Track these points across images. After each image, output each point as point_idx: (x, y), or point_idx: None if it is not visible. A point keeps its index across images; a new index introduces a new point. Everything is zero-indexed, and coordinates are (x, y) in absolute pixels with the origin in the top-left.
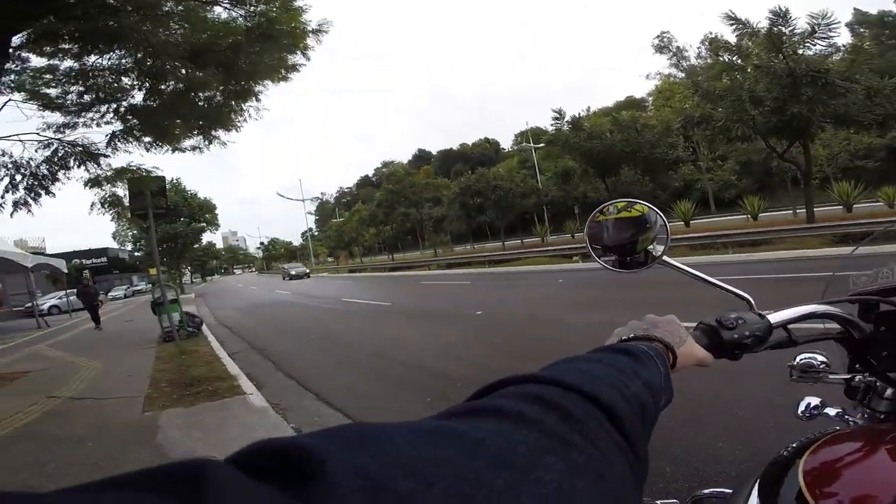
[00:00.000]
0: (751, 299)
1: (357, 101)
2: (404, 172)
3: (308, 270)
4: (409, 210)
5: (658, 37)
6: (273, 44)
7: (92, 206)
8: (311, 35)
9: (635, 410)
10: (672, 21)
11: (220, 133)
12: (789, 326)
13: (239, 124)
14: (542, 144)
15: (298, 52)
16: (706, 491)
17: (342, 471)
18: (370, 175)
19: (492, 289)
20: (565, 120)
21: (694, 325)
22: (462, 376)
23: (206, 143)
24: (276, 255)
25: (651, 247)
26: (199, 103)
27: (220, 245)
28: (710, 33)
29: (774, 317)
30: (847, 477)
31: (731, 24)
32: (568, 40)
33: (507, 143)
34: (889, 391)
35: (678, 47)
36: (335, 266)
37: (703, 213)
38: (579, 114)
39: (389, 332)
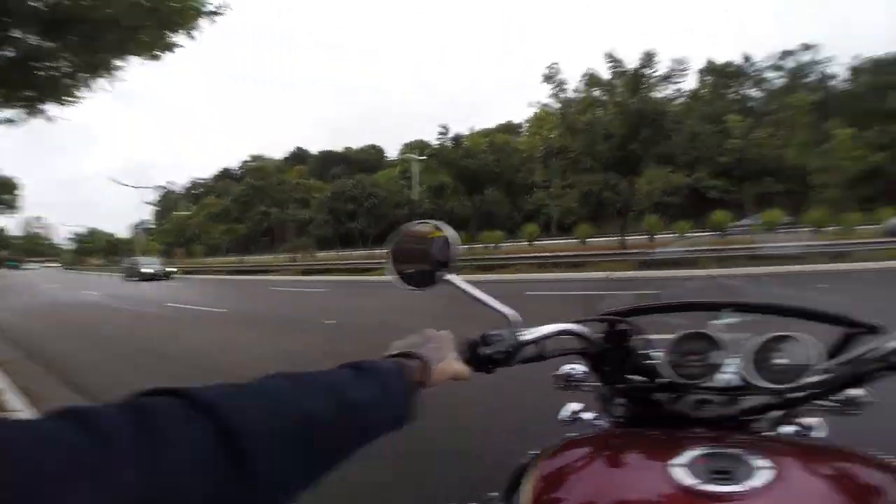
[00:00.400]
0: (510, 316)
1: (239, 89)
2: (274, 169)
3: (171, 270)
4: (271, 209)
5: (549, 67)
6: (158, 19)
7: None
8: (204, 17)
9: (288, 428)
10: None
11: (51, 106)
12: (548, 340)
13: (79, 98)
14: (423, 157)
15: (183, 32)
16: (491, 494)
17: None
18: (233, 168)
19: (350, 297)
20: (449, 136)
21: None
22: None
23: (28, 116)
24: (91, 248)
25: (450, 266)
26: (38, 73)
27: (17, 232)
28: (590, 69)
29: (528, 333)
30: (571, 482)
31: (609, 62)
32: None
33: (395, 152)
34: (620, 398)
35: (561, 80)
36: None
37: (547, 236)
38: (460, 133)
39: (218, 341)
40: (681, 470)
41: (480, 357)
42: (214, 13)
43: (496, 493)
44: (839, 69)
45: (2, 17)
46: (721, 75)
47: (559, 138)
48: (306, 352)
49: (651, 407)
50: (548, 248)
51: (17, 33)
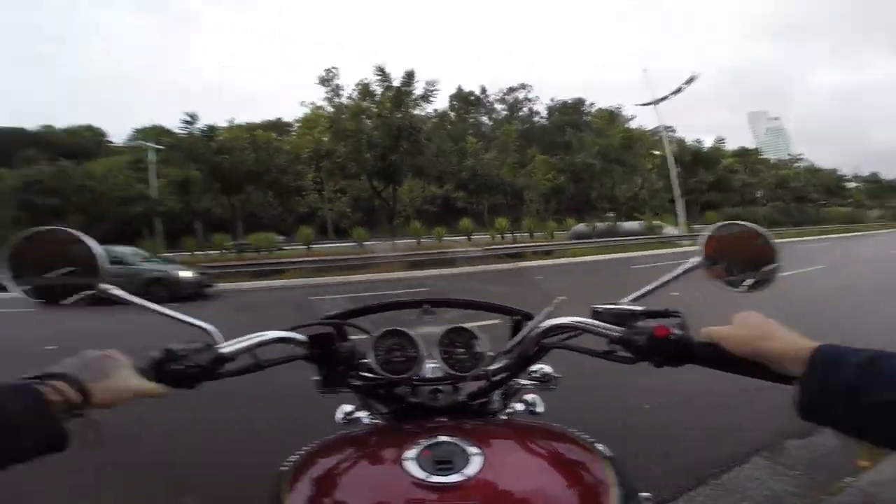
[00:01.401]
0: (208, 329)
1: None
2: None
3: None
4: None
5: (327, 70)
6: None
7: None
8: None
9: None
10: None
11: None
12: (259, 350)
13: None
14: (161, 147)
15: None
16: None
17: None
18: None
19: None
20: (197, 126)
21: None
22: None
23: None
24: None
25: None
26: None
27: None
28: (365, 79)
29: (229, 345)
30: (321, 489)
31: (379, 76)
32: None
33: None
34: (374, 398)
35: (338, 84)
36: None
37: (323, 239)
38: (215, 124)
39: None
40: (412, 464)
41: (171, 373)
42: None
43: None
44: (542, 107)
45: None
46: (465, 102)
47: (329, 142)
48: None
49: (398, 401)
50: (325, 251)
51: None
